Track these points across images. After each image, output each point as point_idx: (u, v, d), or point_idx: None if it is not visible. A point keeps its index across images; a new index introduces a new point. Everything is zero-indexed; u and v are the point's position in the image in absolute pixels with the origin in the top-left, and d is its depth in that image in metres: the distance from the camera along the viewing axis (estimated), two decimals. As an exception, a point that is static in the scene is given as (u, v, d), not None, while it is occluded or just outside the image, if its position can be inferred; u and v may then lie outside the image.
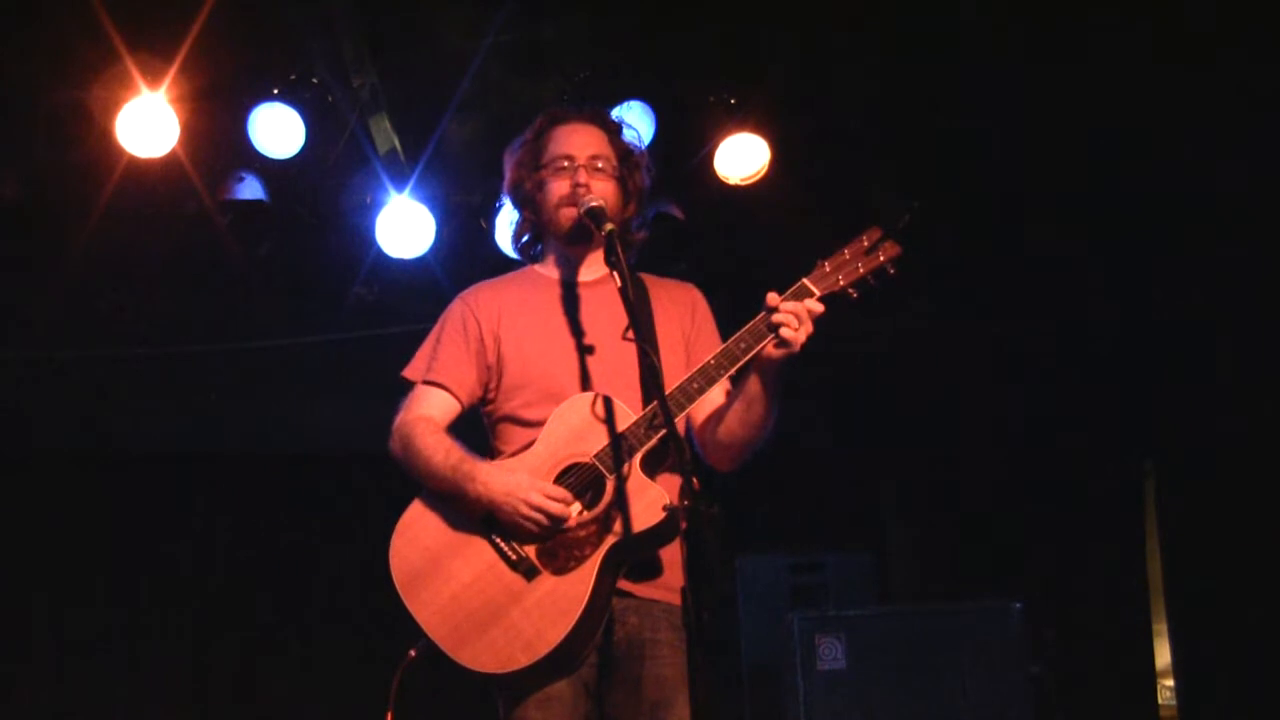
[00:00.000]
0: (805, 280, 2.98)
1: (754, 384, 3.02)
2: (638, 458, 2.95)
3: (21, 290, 5.63)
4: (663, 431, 2.91)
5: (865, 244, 3.02)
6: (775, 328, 2.91)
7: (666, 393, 2.86)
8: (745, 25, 4.86)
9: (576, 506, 2.95)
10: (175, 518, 6.56)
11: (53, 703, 6.31)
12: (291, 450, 6.67)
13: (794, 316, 2.89)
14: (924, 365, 6.52)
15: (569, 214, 3.17)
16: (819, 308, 2.92)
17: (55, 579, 6.37)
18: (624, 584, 3.00)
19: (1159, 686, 6.54)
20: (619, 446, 2.94)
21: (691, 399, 2.96)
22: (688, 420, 3.19)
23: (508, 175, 3.35)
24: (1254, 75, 4.78)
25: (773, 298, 2.93)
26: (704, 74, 5.16)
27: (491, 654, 2.91)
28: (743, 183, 5.21)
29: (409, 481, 3.13)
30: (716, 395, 3.11)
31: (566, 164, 3.21)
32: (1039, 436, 6.58)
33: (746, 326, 2.98)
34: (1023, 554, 6.42)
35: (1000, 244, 5.86)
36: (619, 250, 2.87)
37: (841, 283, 2.99)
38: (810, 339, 2.91)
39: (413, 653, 3.07)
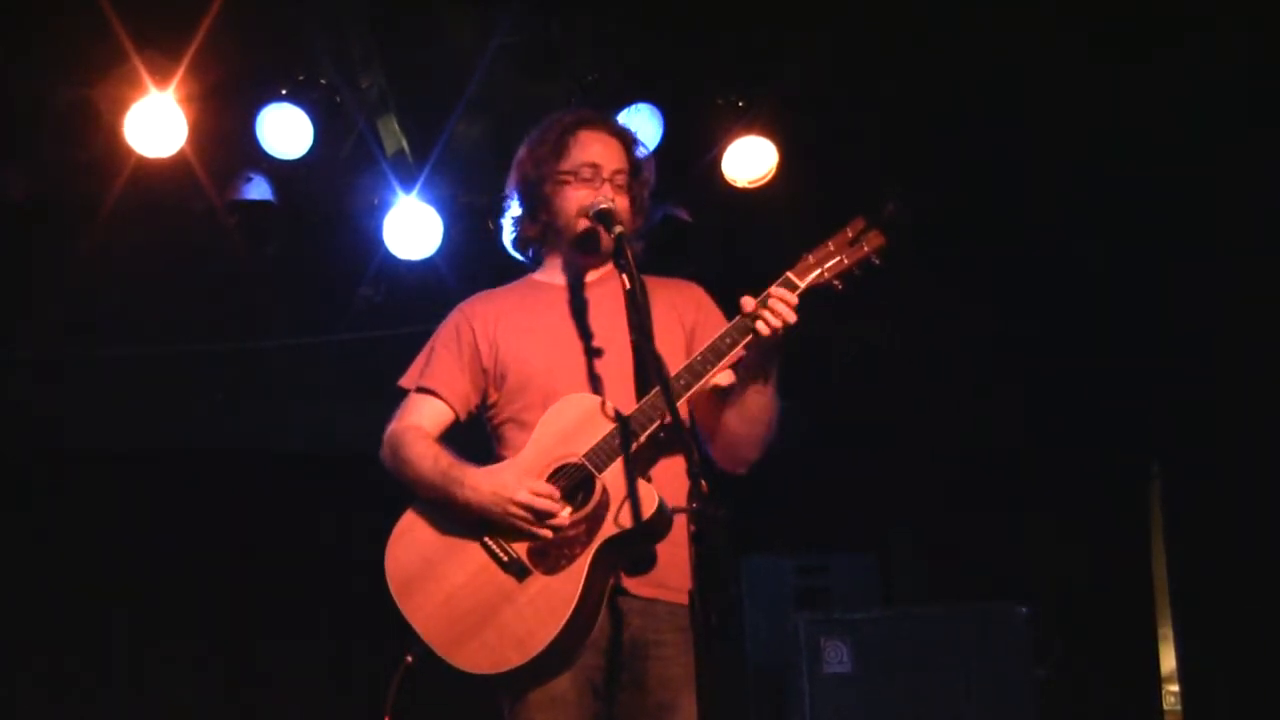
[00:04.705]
0: (789, 273, 2.99)
1: (740, 378, 3.04)
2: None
3: (28, 289, 5.62)
4: (653, 425, 2.93)
5: (849, 235, 3.01)
6: (755, 318, 2.93)
7: (653, 390, 2.90)
8: (754, 27, 4.85)
9: (567, 510, 2.95)
10: (179, 517, 6.55)
11: (53, 702, 6.31)
12: (297, 451, 6.66)
13: (769, 310, 2.92)
14: (928, 366, 6.52)
15: (585, 223, 3.15)
16: (793, 299, 2.94)
17: (57, 579, 6.36)
18: (626, 583, 3.01)
19: (1163, 691, 6.54)
20: (608, 445, 2.95)
21: (679, 395, 2.95)
22: (695, 424, 3.20)
23: (522, 169, 3.30)
24: (1256, 76, 4.80)
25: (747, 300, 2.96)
26: (712, 76, 5.16)
27: (485, 655, 2.92)
28: (750, 185, 5.19)
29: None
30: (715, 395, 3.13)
31: (591, 174, 3.19)
32: (1044, 438, 6.57)
33: (732, 323, 3.00)
34: (1027, 557, 6.42)
35: (1004, 243, 5.86)
36: (628, 253, 2.88)
37: (825, 275, 2.99)
38: (793, 329, 2.92)
39: (409, 658, 3.07)
